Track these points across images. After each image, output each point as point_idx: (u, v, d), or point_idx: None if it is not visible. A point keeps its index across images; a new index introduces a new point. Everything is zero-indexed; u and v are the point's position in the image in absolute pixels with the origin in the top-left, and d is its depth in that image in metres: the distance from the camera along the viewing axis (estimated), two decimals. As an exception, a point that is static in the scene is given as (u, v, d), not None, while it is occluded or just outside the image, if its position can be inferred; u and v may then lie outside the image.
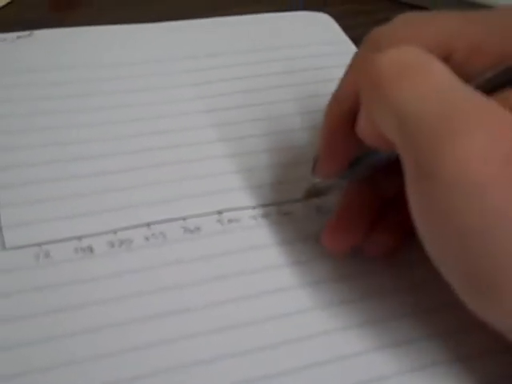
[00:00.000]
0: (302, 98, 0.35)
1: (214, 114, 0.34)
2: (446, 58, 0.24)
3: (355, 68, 0.26)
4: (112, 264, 0.27)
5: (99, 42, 0.38)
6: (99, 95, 0.34)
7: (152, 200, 0.29)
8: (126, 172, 0.30)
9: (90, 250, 0.27)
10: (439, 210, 0.20)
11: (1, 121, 0.32)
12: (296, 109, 0.35)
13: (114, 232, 0.28)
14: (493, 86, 0.22)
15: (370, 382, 0.24)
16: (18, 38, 0.37)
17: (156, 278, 0.26)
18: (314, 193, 0.29)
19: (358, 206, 0.27)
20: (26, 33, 0.37)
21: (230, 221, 0.29)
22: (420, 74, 0.21)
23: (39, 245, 0.27)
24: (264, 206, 0.30)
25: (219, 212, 0.29)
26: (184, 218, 0.29)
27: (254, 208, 0.30)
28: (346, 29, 0.41)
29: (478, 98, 0.21)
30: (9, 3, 0.41)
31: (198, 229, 0.28)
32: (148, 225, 0.28)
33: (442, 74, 0.21)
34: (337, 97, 0.26)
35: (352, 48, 0.38)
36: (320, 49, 0.39)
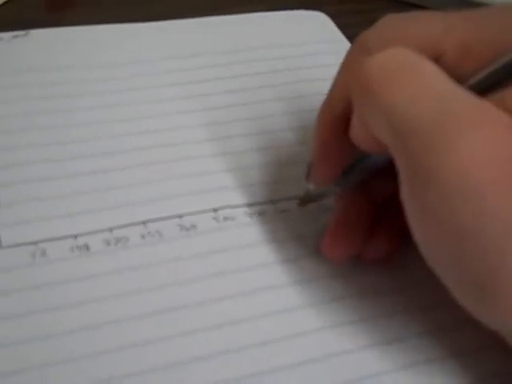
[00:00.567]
0: (299, 97, 0.35)
1: (209, 112, 0.34)
2: (436, 60, 0.23)
3: (345, 72, 0.26)
4: (108, 262, 0.27)
5: (94, 42, 0.38)
6: (92, 95, 0.34)
7: (148, 198, 0.29)
8: (122, 170, 0.31)
9: (86, 248, 0.27)
10: (435, 213, 0.20)
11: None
12: (293, 108, 0.35)
13: (110, 230, 0.28)
14: (486, 86, 0.22)
15: (362, 380, 0.24)
16: (14, 37, 0.37)
17: (152, 276, 0.26)
18: (308, 199, 0.29)
19: (354, 213, 0.27)
20: (22, 32, 0.37)
21: (225, 218, 0.29)
22: (410, 75, 0.21)
23: (35, 243, 0.27)
24: (259, 204, 0.30)
25: (215, 210, 0.29)
26: (180, 216, 0.29)
27: (249, 206, 0.30)
28: (343, 27, 0.41)
29: (472, 99, 0.20)
30: (5, 3, 0.41)
31: (193, 226, 0.29)
32: (144, 223, 0.28)
33: (433, 75, 0.21)
34: (328, 101, 0.26)
35: (348, 47, 0.38)
36: (316, 47, 0.39)
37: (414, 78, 0.21)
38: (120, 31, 0.39)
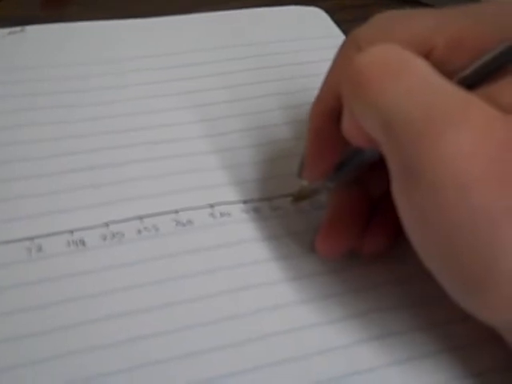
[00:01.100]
0: (295, 92, 0.35)
1: (203, 108, 0.34)
2: (426, 56, 0.23)
3: (336, 67, 0.26)
4: (104, 257, 0.27)
5: (90, 38, 0.38)
6: (89, 92, 0.34)
7: (144, 193, 0.29)
8: (118, 166, 0.31)
9: (83, 243, 0.27)
10: (425, 209, 0.20)
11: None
12: (288, 103, 0.35)
13: (106, 225, 0.28)
14: (475, 80, 0.22)
15: (356, 374, 0.24)
16: (10, 33, 0.37)
17: (148, 271, 0.27)
18: (302, 196, 0.29)
19: (348, 209, 0.27)
20: (18, 29, 0.37)
21: (222, 214, 0.29)
22: (400, 71, 0.21)
23: (31, 238, 0.27)
24: (256, 200, 0.30)
25: (211, 205, 0.29)
26: (176, 212, 0.29)
27: (245, 202, 0.30)
28: (340, 23, 0.41)
29: (460, 93, 0.20)
30: (0, 0, 0.41)
31: (190, 222, 0.29)
32: (140, 218, 0.28)
33: (422, 71, 0.21)
34: (320, 97, 0.26)
35: (345, 42, 0.39)
36: (313, 43, 0.39)
37: (403, 74, 0.21)
38: (117, 27, 0.39)
